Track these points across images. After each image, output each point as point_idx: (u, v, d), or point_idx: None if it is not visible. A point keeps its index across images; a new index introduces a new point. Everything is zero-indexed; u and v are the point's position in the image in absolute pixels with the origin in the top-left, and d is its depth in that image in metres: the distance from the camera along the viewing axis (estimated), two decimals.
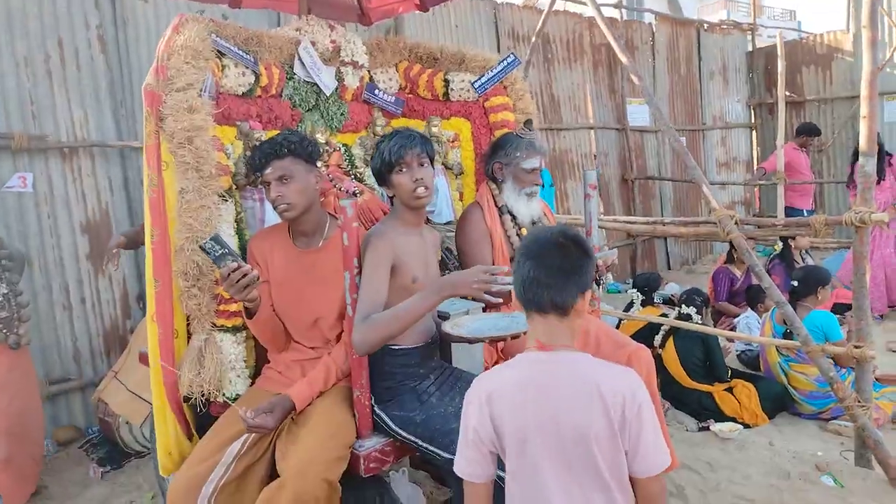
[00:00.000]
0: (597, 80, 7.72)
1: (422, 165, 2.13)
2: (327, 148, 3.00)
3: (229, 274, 1.91)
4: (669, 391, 4.08)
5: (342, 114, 3.09)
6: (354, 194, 2.92)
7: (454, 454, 1.82)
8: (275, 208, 2.16)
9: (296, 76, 2.87)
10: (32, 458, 3.36)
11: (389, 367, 2.05)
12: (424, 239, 2.20)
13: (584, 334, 2.63)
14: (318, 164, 2.32)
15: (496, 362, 2.61)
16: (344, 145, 3.14)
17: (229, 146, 2.61)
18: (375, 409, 2.07)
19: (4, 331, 3.14)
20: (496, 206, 2.73)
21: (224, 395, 2.25)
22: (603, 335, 2.63)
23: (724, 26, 9.72)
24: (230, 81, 2.58)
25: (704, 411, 3.92)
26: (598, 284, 2.70)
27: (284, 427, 2.04)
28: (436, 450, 1.91)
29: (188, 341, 2.24)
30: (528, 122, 2.91)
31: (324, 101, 3.01)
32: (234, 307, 2.25)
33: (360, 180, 3.13)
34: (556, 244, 1.49)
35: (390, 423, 2.03)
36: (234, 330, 2.25)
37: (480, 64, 3.24)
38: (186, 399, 2.22)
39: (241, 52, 2.58)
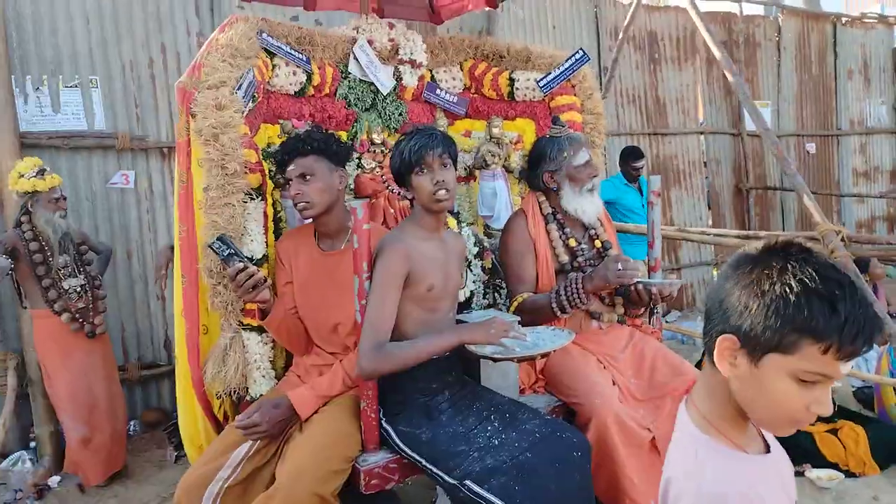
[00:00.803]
0: (710, 80, 7.18)
1: (444, 167, 2.00)
2: (383, 149, 2.94)
3: (236, 275, 1.88)
4: None
5: (400, 114, 3.02)
6: (405, 197, 2.84)
7: (458, 479, 1.69)
8: (295, 206, 2.13)
9: (351, 75, 2.84)
10: (113, 439, 3.56)
11: (400, 379, 1.94)
12: (446, 245, 2.06)
13: (639, 357, 2.39)
14: (349, 164, 2.25)
15: (535, 384, 2.42)
16: None
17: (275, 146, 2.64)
18: (383, 422, 1.96)
19: (81, 320, 3.35)
20: (542, 213, 2.54)
21: (249, 394, 2.24)
22: (660, 360, 2.38)
23: (867, 20, 8.72)
24: (281, 80, 2.59)
25: (801, 453, 3.45)
26: (652, 315, 2.45)
27: (293, 432, 1.98)
28: (439, 472, 1.78)
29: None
30: (556, 120, 2.70)
31: (381, 101, 2.96)
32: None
33: None
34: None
35: (396, 439, 1.92)
36: (262, 329, 2.23)
37: (547, 61, 3.06)
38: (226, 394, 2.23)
39: (292, 51, 2.59)
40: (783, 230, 7.61)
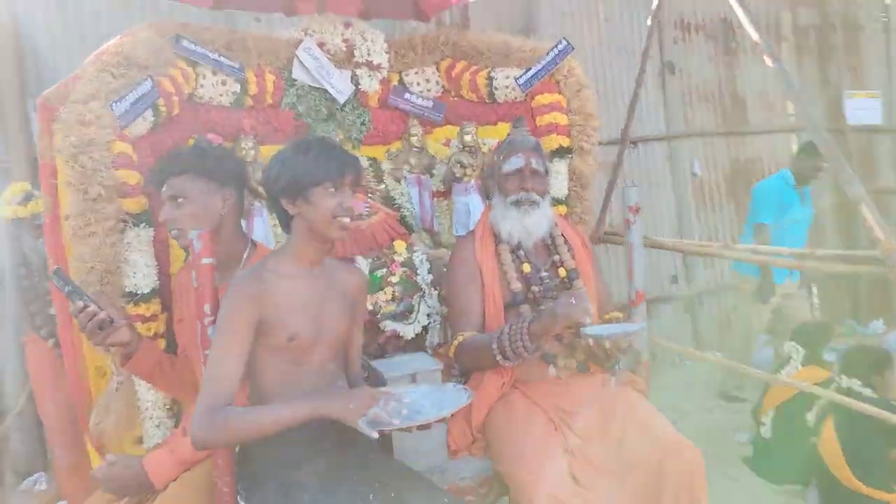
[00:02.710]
0: (801, 70, 6.28)
1: (353, 195, 1.67)
2: None
3: (77, 315, 1.62)
4: (829, 497, 2.95)
5: (363, 123, 2.70)
6: (361, 216, 2.51)
7: None
8: (168, 233, 1.84)
9: (298, 82, 2.55)
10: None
11: (253, 447, 1.58)
12: (327, 280, 1.68)
13: (607, 415, 1.90)
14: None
15: (473, 444, 1.99)
16: (370, 159, 2.75)
17: None
18: (238, 499, 1.61)
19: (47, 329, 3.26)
20: (493, 231, 2.11)
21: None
22: (632, 422, 1.87)
23: None
24: (208, 91, 2.35)
25: None
26: (613, 374, 1.94)
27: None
28: None
29: None
30: (518, 121, 2.25)
31: (339, 110, 2.65)
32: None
33: (389, 198, 2.70)
34: None
35: None
36: None
37: (528, 56, 2.63)
38: None
39: (219, 58, 2.33)
40: None
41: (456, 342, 2.02)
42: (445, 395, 1.61)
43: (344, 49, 2.61)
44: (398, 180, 2.75)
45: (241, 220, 1.94)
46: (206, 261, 1.52)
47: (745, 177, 5.98)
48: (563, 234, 2.16)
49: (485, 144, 2.70)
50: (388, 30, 3.00)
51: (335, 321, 1.66)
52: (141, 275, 1.93)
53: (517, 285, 2.04)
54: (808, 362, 3.42)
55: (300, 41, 2.54)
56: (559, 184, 2.56)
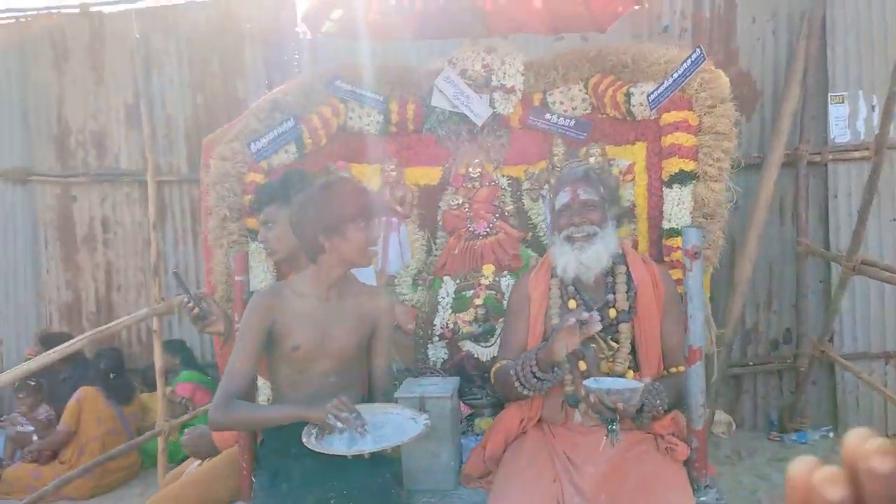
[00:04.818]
0: None
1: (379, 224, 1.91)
2: (476, 184, 2.76)
3: (182, 308, 2.14)
4: None
5: (502, 144, 2.78)
6: (478, 236, 2.64)
7: None
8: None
9: (438, 108, 2.76)
10: None
11: (267, 433, 1.87)
12: (341, 303, 1.87)
13: (619, 475, 1.74)
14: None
15: (486, 477, 1.96)
16: (510, 178, 2.82)
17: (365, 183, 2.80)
18: (252, 476, 1.92)
19: None
20: (552, 264, 2.02)
21: None
22: (644, 485, 1.69)
23: None
24: (356, 122, 2.74)
25: None
26: (610, 431, 1.70)
27: None
28: None
29: None
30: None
31: (479, 132, 2.78)
32: None
33: (528, 217, 2.76)
34: None
35: (252, 494, 1.87)
36: None
37: (662, 68, 2.38)
38: None
39: (363, 94, 2.70)
40: None
41: (493, 369, 2.02)
42: (405, 424, 1.69)
43: (483, 74, 2.72)
44: (534, 200, 2.76)
45: None
46: (238, 278, 1.88)
47: None
48: (628, 271, 1.96)
49: (616, 166, 2.53)
50: (548, 50, 2.99)
51: (342, 338, 1.86)
52: (258, 280, 2.40)
53: (556, 321, 1.94)
54: None
55: (440, 70, 2.74)
56: (679, 213, 2.27)
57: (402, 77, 2.77)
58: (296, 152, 2.54)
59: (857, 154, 4.19)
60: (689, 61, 2.25)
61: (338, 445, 1.62)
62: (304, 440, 1.63)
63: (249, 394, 1.87)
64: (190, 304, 2.11)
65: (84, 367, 4.18)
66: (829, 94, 4.26)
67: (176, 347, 4.31)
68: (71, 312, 4.85)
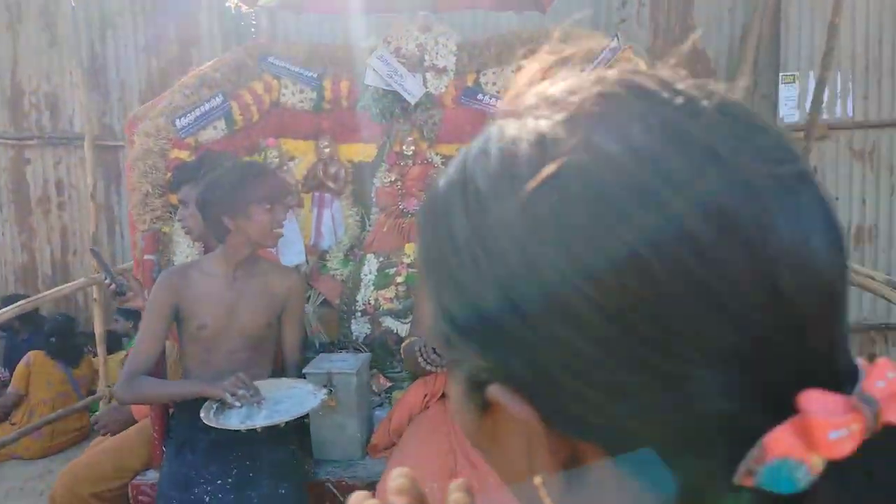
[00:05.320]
0: None
1: (285, 209, 1.96)
2: (409, 162, 2.81)
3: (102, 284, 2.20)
4: None
5: (435, 123, 2.81)
6: (408, 213, 2.70)
7: None
8: None
9: (371, 87, 2.78)
10: None
11: (179, 404, 1.95)
12: (248, 282, 1.92)
13: None
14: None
15: (391, 447, 2.06)
16: (443, 156, 2.86)
17: (299, 158, 2.84)
18: (164, 445, 2.01)
19: None
20: None
21: None
22: None
23: None
24: (289, 98, 2.76)
25: None
26: None
27: None
28: None
29: None
30: None
31: (412, 110, 2.81)
32: None
33: None
34: None
35: (162, 462, 1.96)
36: None
37: (586, 55, 2.39)
38: None
39: (296, 70, 2.71)
40: None
41: (403, 345, 2.10)
42: (307, 395, 1.77)
43: (417, 53, 2.74)
44: None
45: None
46: (147, 257, 1.93)
47: None
48: None
49: None
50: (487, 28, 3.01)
51: (250, 317, 1.93)
52: (183, 256, 2.44)
53: None
54: None
55: (374, 48, 2.76)
56: None
57: (336, 55, 2.78)
58: (225, 128, 2.57)
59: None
60: (605, 51, 2.29)
61: (233, 420, 1.70)
62: (202, 416, 1.71)
63: (156, 370, 1.94)
64: (107, 281, 2.16)
65: (42, 331, 4.24)
66: (780, 74, 4.31)
67: (130, 312, 4.36)
68: (27, 275, 4.87)
